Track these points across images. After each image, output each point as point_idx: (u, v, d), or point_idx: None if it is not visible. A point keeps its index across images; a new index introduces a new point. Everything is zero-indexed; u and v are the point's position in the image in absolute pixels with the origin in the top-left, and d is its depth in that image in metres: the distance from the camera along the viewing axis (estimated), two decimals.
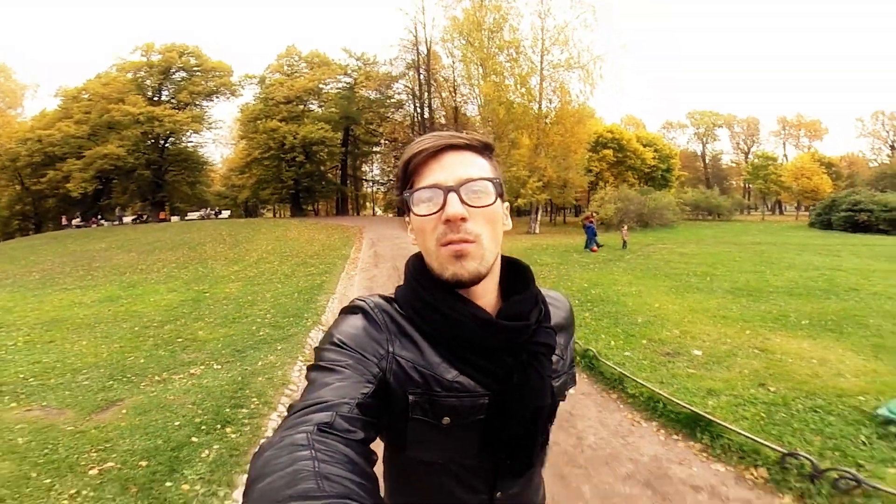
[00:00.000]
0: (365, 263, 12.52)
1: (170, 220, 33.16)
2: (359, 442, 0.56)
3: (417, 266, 0.76)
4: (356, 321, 0.71)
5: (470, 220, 0.67)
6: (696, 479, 2.76)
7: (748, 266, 10.91)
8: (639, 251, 14.25)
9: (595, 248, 14.71)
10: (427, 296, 0.71)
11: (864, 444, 2.85)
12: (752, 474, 2.74)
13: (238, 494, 2.66)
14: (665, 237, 19.76)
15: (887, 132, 53.33)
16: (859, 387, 3.68)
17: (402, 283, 0.79)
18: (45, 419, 3.68)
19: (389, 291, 0.78)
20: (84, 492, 2.67)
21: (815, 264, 11.09)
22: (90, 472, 2.86)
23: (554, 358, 0.78)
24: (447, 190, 0.67)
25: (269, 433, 3.27)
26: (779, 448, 2.69)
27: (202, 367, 4.70)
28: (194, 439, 3.12)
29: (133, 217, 35.42)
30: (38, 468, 2.94)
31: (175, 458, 2.90)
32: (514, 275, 0.78)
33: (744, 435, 2.88)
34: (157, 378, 4.46)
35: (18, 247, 22.80)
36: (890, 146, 52.90)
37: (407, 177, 0.72)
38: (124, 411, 3.65)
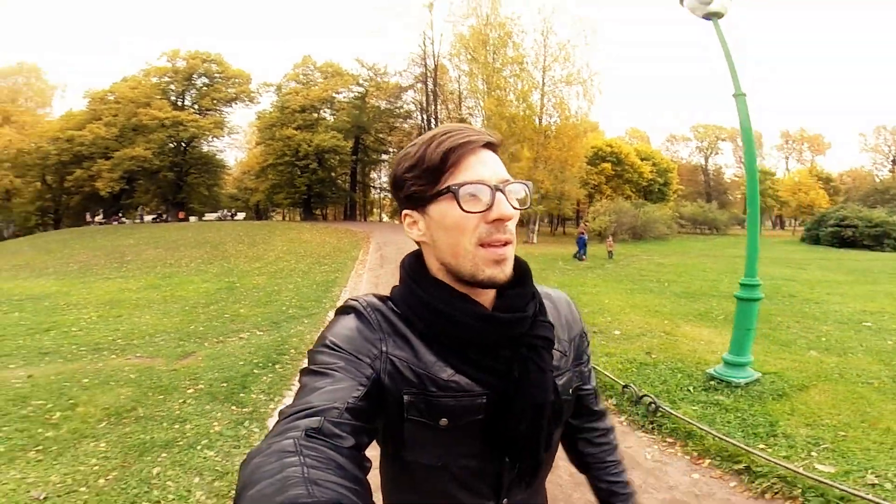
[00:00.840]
0: (372, 264, 14.02)
1: (189, 220, 35.08)
2: (349, 448, 0.55)
3: (414, 265, 0.75)
4: (349, 322, 0.71)
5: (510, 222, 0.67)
6: None
7: (711, 275, 12.28)
8: (621, 261, 15.62)
9: (583, 258, 16.08)
10: (424, 294, 0.70)
11: (688, 390, 4.10)
12: (605, 403, 4.15)
13: (288, 401, 4.15)
14: (653, 249, 21.02)
15: (888, 147, 52.69)
16: (718, 360, 5.06)
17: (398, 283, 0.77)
18: (143, 364, 5.22)
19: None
20: (188, 401, 4.17)
21: (773, 275, 12.37)
22: (188, 391, 4.37)
23: (556, 354, 0.77)
24: (495, 189, 0.65)
25: None
26: (620, 381, 4.13)
27: (248, 333, 6.28)
28: (255, 371, 4.67)
29: (153, 216, 37.49)
30: (151, 391, 4.43)
31: (245, 381, 4.44)
32: (513, 271, 0.73)
33: (605, 374, 4.33)
34: (216, 340, 6.03)
35: (52, 240, 24.58)
36: (891, 161, 52.20)
37: (444, 167, 0.66)
38: (200, 358, 5.21)
